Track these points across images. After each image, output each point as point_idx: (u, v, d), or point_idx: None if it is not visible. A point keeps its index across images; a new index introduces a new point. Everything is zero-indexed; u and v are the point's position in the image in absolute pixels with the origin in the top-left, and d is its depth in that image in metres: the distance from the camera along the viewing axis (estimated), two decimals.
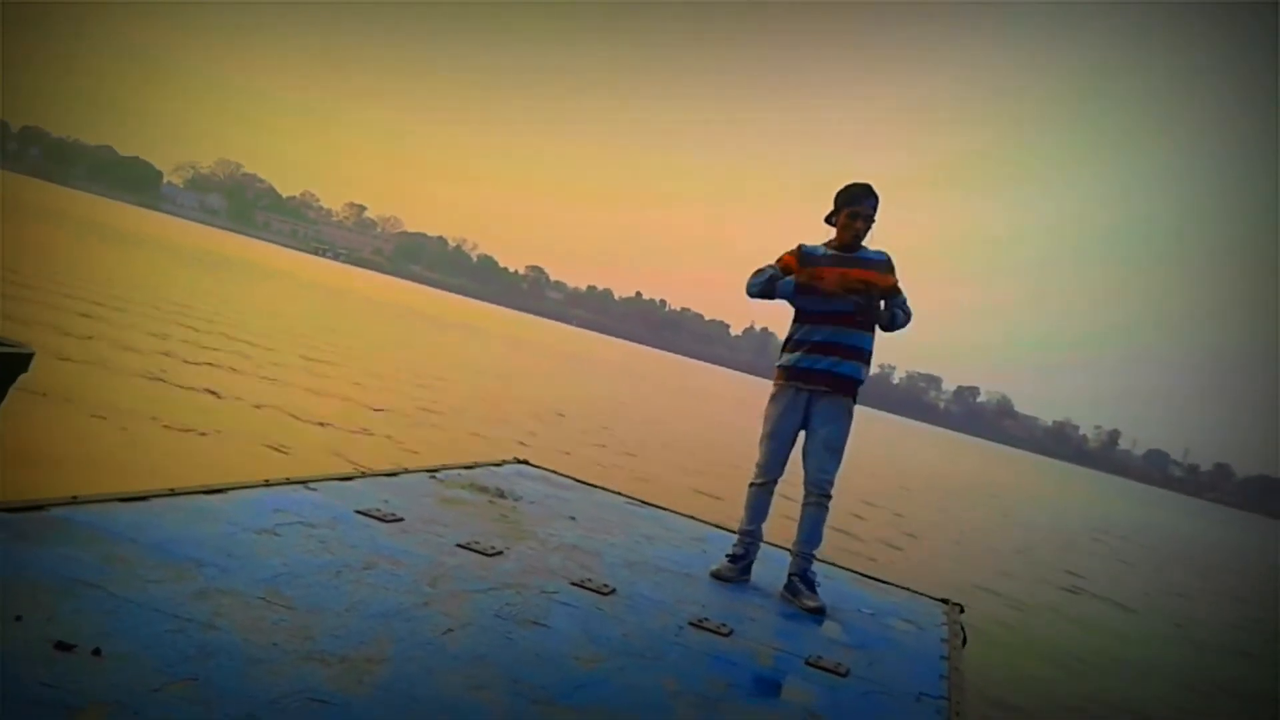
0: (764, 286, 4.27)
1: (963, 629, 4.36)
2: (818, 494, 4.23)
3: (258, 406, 10.57)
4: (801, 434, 4.29)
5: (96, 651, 2.04)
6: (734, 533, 4.53)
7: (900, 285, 4.22)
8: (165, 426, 8.23)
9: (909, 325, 4.32)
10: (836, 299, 4.16)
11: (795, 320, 4.35)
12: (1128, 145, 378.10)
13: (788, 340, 4.38)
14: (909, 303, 4.28)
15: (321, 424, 10.58)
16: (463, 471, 5.21)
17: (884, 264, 4.23)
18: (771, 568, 4.73)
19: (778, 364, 4.37)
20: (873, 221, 4.20)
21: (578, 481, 5.93)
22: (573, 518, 4.78)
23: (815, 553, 4.27)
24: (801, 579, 4.21)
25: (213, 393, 10.57)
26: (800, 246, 4.32)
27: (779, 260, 4.31)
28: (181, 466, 6.99)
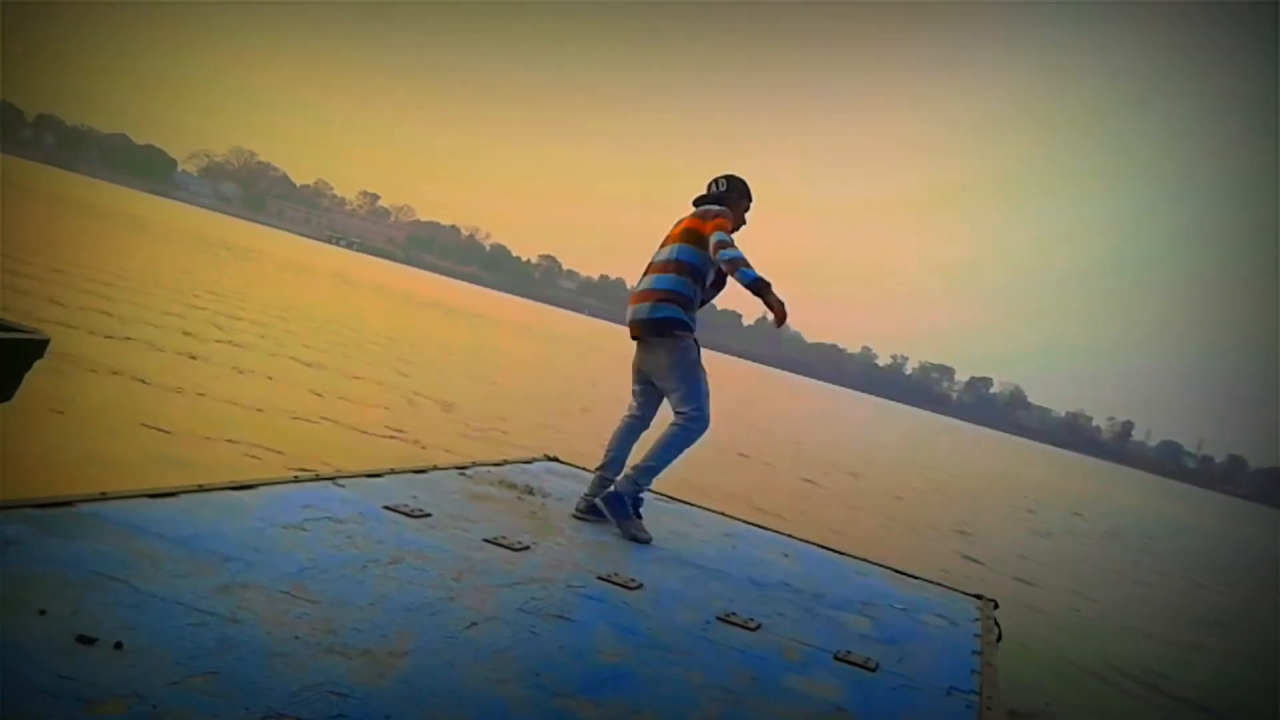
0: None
1: (997, 624, 4.30)
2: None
3: (285, 409, 10.57)
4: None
5: (118, 645, 2.03)
6: (763, 529, 4.46)
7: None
8: (190, 429, 8.23)
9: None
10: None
11: (709, 284, 4.56)
12: (1138, 149, 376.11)
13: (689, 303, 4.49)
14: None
15: (353, 427, 10.57)
16: (492, 468, 5.17)
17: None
18: (779, 556, 4.69)
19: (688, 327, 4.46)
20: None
21: None
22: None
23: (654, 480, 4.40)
24: (632, 501, 4.34)
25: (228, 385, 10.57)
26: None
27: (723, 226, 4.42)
28: (201, 461, 6.98)
